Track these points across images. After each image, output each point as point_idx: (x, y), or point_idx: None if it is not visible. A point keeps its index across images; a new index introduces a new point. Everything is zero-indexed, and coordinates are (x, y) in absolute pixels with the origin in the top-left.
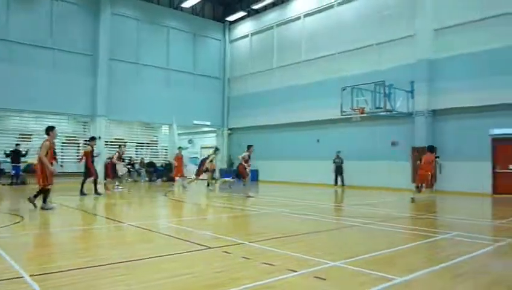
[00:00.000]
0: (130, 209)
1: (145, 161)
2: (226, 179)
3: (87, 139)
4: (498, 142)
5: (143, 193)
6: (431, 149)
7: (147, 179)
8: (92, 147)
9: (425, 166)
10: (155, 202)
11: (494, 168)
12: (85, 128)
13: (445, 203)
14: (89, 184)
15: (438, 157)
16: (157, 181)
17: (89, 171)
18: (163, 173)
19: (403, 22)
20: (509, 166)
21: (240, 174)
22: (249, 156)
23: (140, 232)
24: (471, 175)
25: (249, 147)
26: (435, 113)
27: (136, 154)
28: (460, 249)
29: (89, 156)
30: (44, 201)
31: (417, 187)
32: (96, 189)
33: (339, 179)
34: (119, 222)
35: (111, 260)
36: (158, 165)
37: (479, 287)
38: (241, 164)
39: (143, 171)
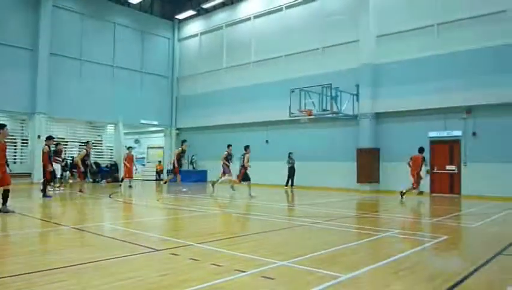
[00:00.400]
0: (74, 212)
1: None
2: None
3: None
4: (435, 144)
5: (87, 194)
6: (420, 150)
7: (91, 180)
8: (49, 147)
9: (413, 166)
10: (100, 204)
11: (432, 168)
12: (23, 127)
13: (387, 202)
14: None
15: (424, 159)
16: (102, 182)
17: (44, 172)
18: (108, 174)
19: (348, 27)
20: (445, 167)
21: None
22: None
23: (84, 235)
24: None
25: (246, 147)
26: (378, 116)
27: (79, 154)
28: (401, 246)
29: (46, 157)
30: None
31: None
32: (45, 191)
33: (290, 179)
34: (62, 225)
35: (53, 265)
36: (103, 165)
37: (418, 281)
38: (243, 166)
39: (87, 172)
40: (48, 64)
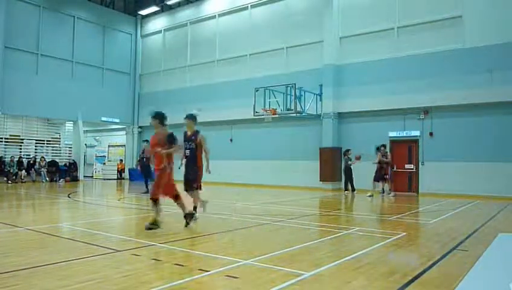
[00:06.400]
0: (28, 212)
1: (46, 160)
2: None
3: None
4: (395, 144)
5: (43, 194)
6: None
7: (47, 179)
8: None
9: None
10: (57, 204)
11: (392, 167)
12: None
13: (349, 201)
14: None
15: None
16: (60, 181)
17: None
18: (66, 173)
19: (312, 28)
20: (405, 166)
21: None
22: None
23: (40, 237)
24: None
25: (382, 146)
26: (340, 116)
27: (36, 152)
28: (362, 243)
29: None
30: None
31: None
32: None
33: (349, 182)
34: (15, 226)
35: (5, 269)
36: (61, 164)
37: (379, 277)
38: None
39: (44, 171)
40: (1, 58)
